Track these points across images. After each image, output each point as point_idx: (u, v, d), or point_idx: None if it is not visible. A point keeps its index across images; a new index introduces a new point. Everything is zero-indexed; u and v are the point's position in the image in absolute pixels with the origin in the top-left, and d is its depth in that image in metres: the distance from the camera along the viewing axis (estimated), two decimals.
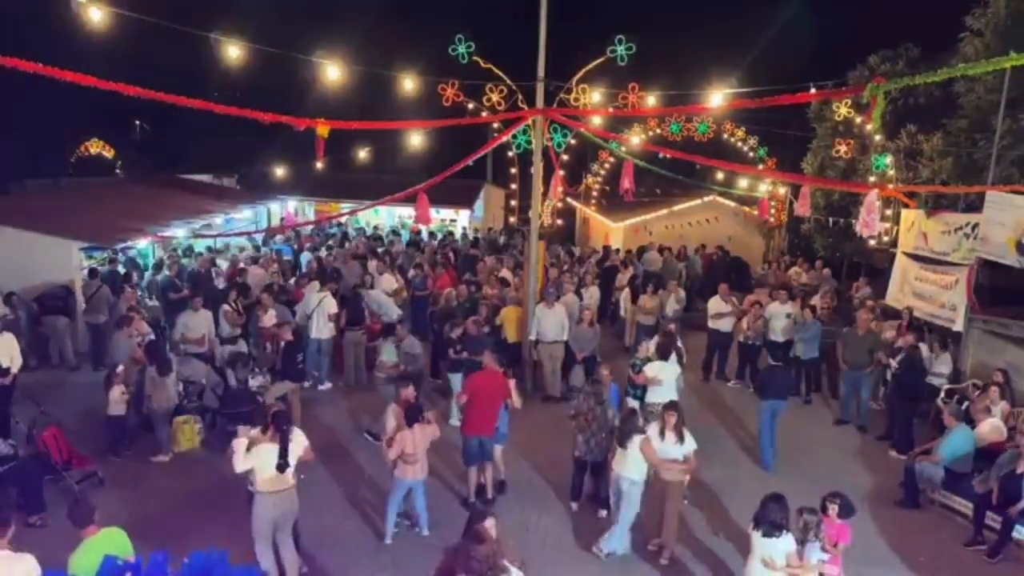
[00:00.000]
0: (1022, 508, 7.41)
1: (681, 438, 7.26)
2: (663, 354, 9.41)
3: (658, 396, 9.18)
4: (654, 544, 7.51)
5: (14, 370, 9.05)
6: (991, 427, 8.60)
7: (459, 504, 8.25)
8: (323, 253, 17.40)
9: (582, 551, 7.56)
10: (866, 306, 12.43)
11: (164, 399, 9.14)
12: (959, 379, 10.73)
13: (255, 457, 6.30)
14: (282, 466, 6.30)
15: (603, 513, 8.08)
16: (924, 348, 10.68)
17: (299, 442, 6.55)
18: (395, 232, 22.72)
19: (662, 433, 7.27)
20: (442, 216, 24.65)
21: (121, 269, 14.23)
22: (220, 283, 13.93)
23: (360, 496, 8.48)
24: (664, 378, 9.19)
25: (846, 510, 6.29)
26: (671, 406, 7.54)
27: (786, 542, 5.73)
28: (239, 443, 6.34)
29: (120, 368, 9.15)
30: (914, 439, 9.76)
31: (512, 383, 8.35)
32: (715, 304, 12.67)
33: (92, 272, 12.66)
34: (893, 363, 10.36)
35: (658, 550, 7.45)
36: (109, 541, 5.23)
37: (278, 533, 6.52)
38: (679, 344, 10.12)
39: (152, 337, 10.41)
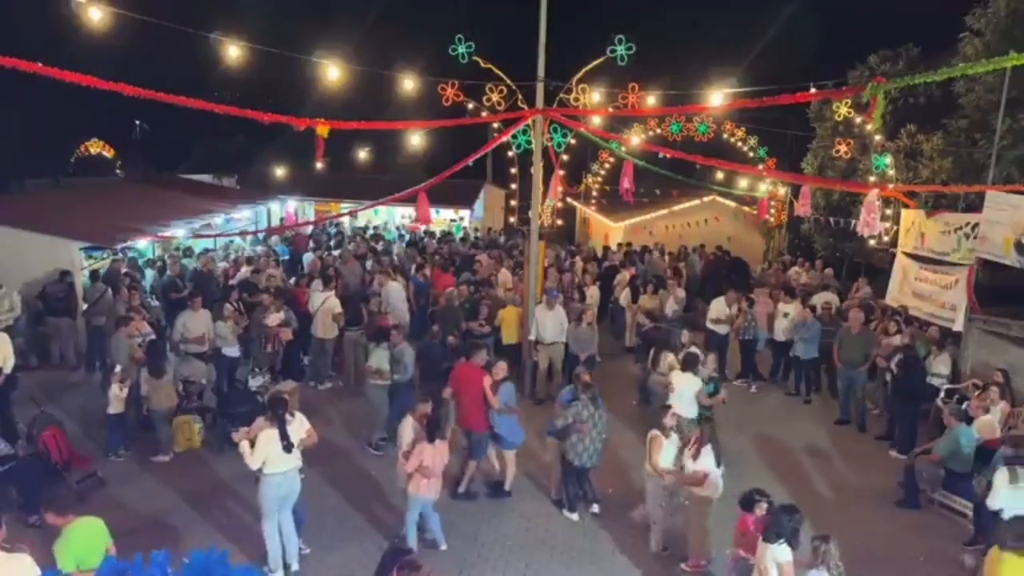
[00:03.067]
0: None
1: (695, 456, 7.05)
2: (688, 366, 9.32)
3: (676, 404, 9.03)
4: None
5: (7, 370, 9.04)
6: (985, 424, 8.56)
7: (449, 498, 8.21)
8: (322, 253, 17.39)
9: (582, 551, 7.54)
10: (859, 305, 12.41)
11: (163, 399, 9.15)
12: (959, 379, 10.71)
13: (262, 447, 6.50)
14: (287, 447, 6.55)
15: (595, 508, 8.17)
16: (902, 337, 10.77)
17: (301, 425, 6.82)
18: (399, 233, 22.74)
19: (686, 445, 7.26)
20: (442, 216, 24.66)
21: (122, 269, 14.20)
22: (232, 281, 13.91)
23: (361, 496, 8.45)
24: (681, 389, 9.08)
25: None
26: (703, 423, 7.76)
27: (782, 551, 5.51)
28: (243, 447, 6.56)
29: (118, 368, 9.15)
30: (916, 439, 9.75)
31: (488, 383, 8.23)
32: (717, 308, 12.62)
33: (94, 275, 12.62)
34: (892, 365, 10.34)
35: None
36: (90, 529, 5.25)
37: (281, 511, 6.72)
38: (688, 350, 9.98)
39: (152, 337, 10.41)
